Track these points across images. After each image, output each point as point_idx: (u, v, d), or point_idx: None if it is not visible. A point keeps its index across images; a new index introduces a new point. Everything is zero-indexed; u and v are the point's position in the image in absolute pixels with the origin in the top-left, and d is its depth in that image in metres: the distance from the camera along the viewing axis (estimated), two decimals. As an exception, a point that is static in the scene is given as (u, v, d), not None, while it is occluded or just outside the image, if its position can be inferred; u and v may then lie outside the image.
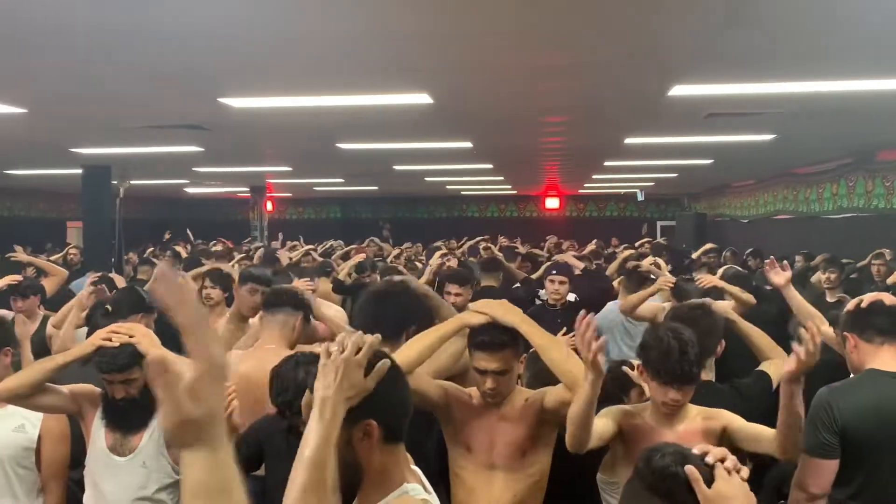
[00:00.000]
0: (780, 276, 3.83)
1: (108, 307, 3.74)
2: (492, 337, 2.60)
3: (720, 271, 6.49)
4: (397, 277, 3.59)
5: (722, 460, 1.41)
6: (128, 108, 5.63)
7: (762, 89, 4.74)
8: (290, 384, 2.66)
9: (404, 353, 2.58)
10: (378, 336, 1.71)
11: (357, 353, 1.62)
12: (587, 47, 3.85)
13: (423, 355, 2.61)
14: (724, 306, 4.56)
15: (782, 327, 5.01)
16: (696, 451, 1.47)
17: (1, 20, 3.33)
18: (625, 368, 3.35)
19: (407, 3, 3.10)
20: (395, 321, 2.97)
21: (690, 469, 1.40)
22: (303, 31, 3.51)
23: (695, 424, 2.55)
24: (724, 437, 2.52)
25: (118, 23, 3.37)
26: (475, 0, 3.07)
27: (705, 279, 4.93)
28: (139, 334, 2.81)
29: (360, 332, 1.69)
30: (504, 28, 3.45)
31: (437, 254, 6.74)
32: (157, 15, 3.26)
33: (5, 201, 15.22)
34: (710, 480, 1.38)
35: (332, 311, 4.83)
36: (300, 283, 4.38)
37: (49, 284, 5.91)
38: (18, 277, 5.25)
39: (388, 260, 9.23)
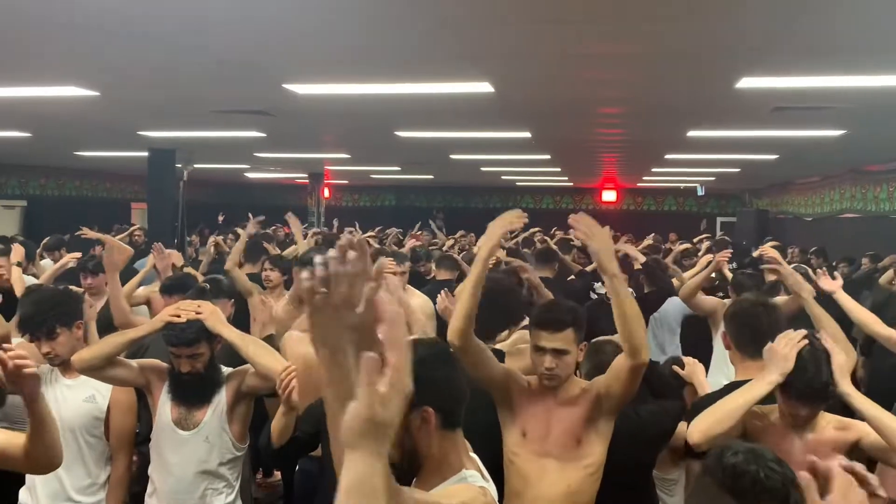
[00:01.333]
0: (831, 284, 3.74)
1: (207, 286, 3.87)
2: (554, 315, 2.62)
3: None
4: (503, 270, 3.61)
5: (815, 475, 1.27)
6: (195, 93, 5.76)
7: (833, 82, 4.60)
8: None
9: (454, 321, 2.62)
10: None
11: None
12: (655, 37, 3.79)
13: (469, 311, 2.60)
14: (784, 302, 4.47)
15: (846, 330, 4.88)
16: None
17: (77, 9, 3.44)
18: (675, 367, 3.32)
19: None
20: (499, 321, 2.98)
21: (805, 476, 1.26)
22: (366, 18, 3.54)
23: (826, 434, 2.44)
24: (856, 450, 2.42)
25: (186, 10, 3.46)
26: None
27: (768, 250, 4.78)
28: (207, 311, 2.91)
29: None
30: (571, 16, 3.42)
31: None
32: (222, 3, 3.33)
33: (74, 181, 15.74)
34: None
35: (419, 300, 4.87)
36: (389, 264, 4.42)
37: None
38: (78, 255, 5.43)
39: (444, 249, 9.26)
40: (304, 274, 1.27)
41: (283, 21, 3.62)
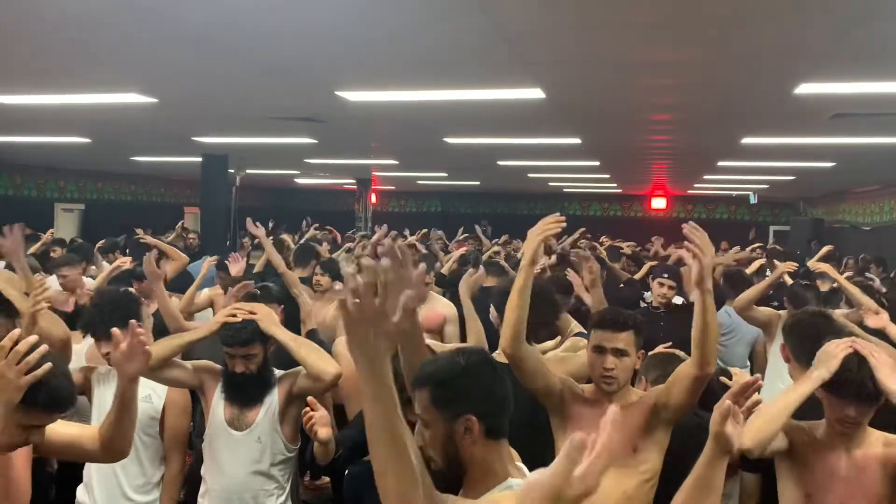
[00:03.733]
0: (878, 321, 3.66)
1: (258, 292, 3.95)
2: (615, 315, 2.61)
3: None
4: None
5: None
6: (249, 100, 5.86)
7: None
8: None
9: (506, 329, 2.61)
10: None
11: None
12: (713, 43, 3.72)
13: (520, 318, 2.60)
14: (842, 316, 4.34)
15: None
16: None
17: (135, 17, 3.53)
18: (723, 379, 3.26)
19: (527, -3, 3.09)
20: (533, 329, 2.97)
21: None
22: (418, 25, 3.55)
23: (874, 449, 2.37)
24: None
25: (243, 19, 3.52)
26: (597, -7, 3.03)
27: (821, 266, 4.66)
28: (262, 313, 2.96)
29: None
30: (626, 21, 3.38)
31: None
32: (278, 12, 3.38)
33: (130, 185, 16.16)
34: None
35: (445, 308, 4.90)
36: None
37: (171, 268, 6.25)
38: (128, 260, 5.54)
39: (488, 254, 9.25)
40: (338, 286, 1.28)
41: (336, 29, 3.66)
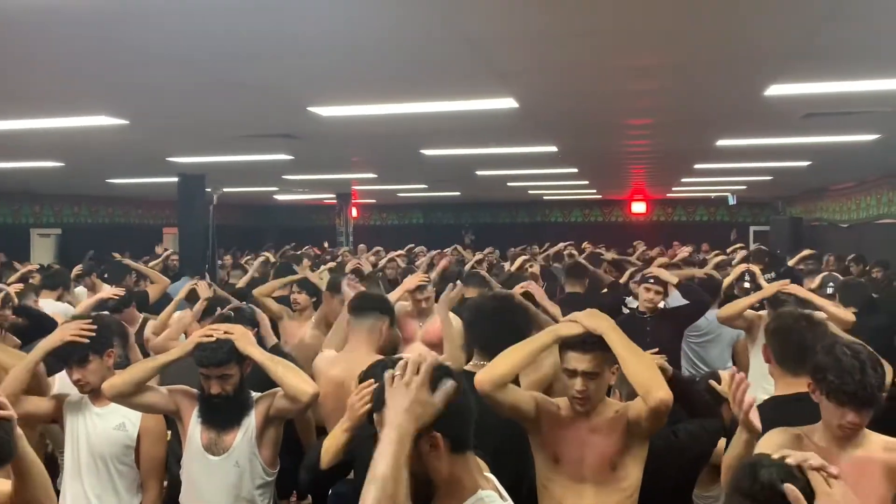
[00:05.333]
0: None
1: (231, 313, 3.89)
2: (584, 337, 2.55)
3: (818, 279, 6.19)
4: (500, 292, 3.57)
5: (819, 469, 1.41)
6: (221, 119, 5.82)
7: (866, 87, 4.49)
8: (378, 390, 2.68)
9: (497, 367, 2.56)
10: (435, 355, 1.74)
11: (417, 372, 1.63)
12: (680, 47, 3.73)
13: (515, 368, 2.57)
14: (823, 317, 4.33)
15: (891, 338, 4.73)
16: (790, 460, 1.49)
17: (102, 39, 3.49)
18: (712, 382, 3.24)
19: (493, 7, 3.08)
20: (509, 340, 2.95)
21: (790, 488, 1.40)
22: (389, 39, 3.53)
23: (874, 454, 2.34)
24: None
25: (212, 40, 3.49)
26: (564, 0, 3.02)
27: (790, 288, 4.62)
28: (238, 332, 2.91)
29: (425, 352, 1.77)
30: (594, 28, 3.38)
31: (520, 258, 6.67)
32: (249, 30, 3.35)
33: (107, 208, 16.01)
34: (810, 496, 1.38)
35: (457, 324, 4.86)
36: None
37: (153, 291, 6.17)
38: (121, 292, 5.45)
39: (469, 266, 9.24)
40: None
41: (306, 46, 3.64)
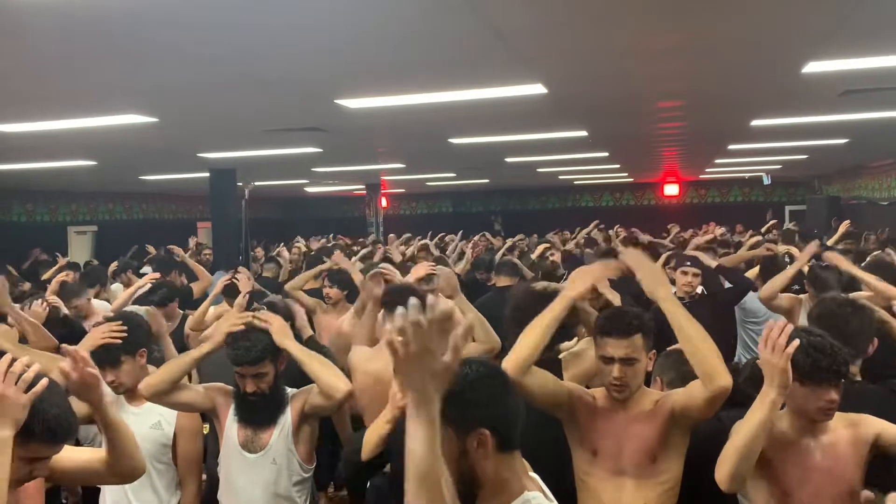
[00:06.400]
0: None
1: (263, 307, 3.88)
2: (619, 320, 2.49)
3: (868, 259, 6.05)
4: (538, 285, 3.49)
5: None
6: (249, 114, 5.83)
7: (907, 62, 4.35)
8: None
9: (520, 349, 2.51)
10: (450, 302, 1.69)
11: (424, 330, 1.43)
12: (712, 25, 3.63)
13: (538, 345, 2.50)
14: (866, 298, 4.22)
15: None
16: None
17: (131, 40, 3.50)
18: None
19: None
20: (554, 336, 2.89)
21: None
22: (415, 29, 3.49)
23: (840, 434, 2.31)
24: (878, 447, 2.30)
25: (236, 34, 3.48)
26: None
27: (834, 258, 4.54)
28: (276, 324, 2.90)
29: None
30: (622, 10, 3.30)
31: (540, 247, 6.58)
32: (275, 25, 3.33)
33: (141, 204, 16.23)
34: None
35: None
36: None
37: (197, 288, 6.22)
38: (157, 275, 5.49)
39: (500, 253, 9.18)
40: (387, 325, 1.34)
41: (331, 38, 3.61)
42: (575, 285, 2.55)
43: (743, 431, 2.20)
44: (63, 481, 2.31)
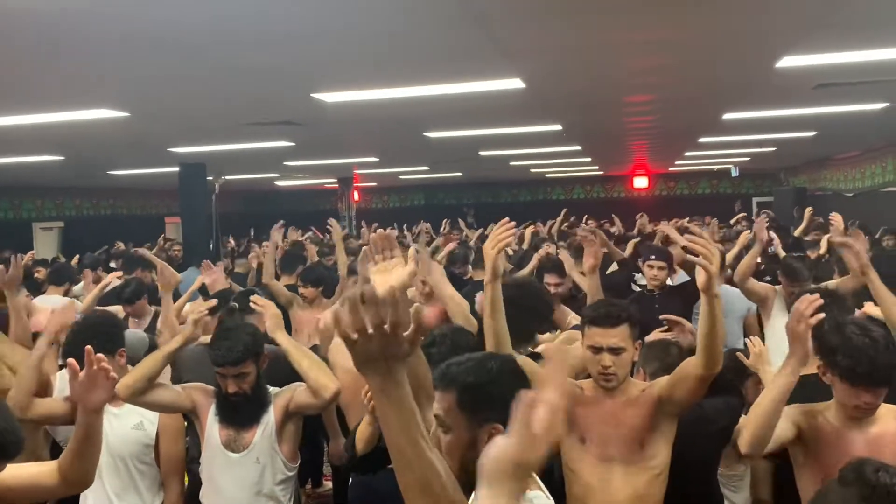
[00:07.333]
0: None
1: (236, 304, 3.84)
2: (608, 311, 2.53)
3: (824, 242, 6.15)
4: (520, 275, 3.51)
5: None
6: (223, 108, 5.74)
7: (881, 56, 4.41)
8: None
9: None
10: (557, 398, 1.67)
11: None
12: (688, 21, 3.65)
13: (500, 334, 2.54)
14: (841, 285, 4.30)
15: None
16: None
17: (101, 31, 3.41)
18: (739, 355, 3.20)
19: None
20: (530, 324, 2.90)
21: None
22: (393, 22, 3.45)
23: (888, 425, 2.32)
24: None
25: (212, 26, 3.41)
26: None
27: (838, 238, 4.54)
28: (270, 312, 2.87)
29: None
30: (604, 4, 3.30)
31: (528, 233, 6.57)
32: (249, 17, 3.28)
33: (108, 199, 15.93)
34: None
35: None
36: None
37: (163, 286, 6.12)
38: (117, 275, 5.43)
39: (472, 244, 9.18)
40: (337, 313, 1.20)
41: (309, 31, 3.56)
42: (487, 267, 2.56)
43: (765, 397, 2.30)
44: (6, 500, 2.23)
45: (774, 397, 2.27)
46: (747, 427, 2.30)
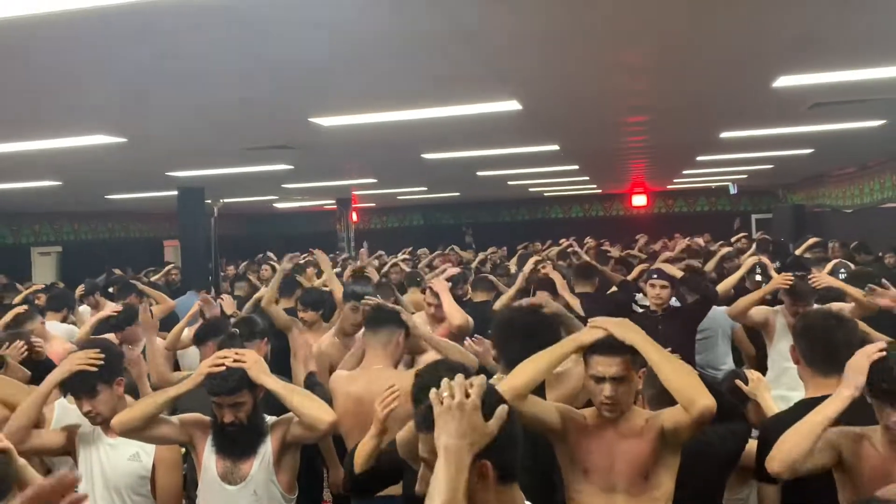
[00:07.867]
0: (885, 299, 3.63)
1: (236, 330, 3.81)
2: (610, 340, 2.47)
3: (829, 266, 6.09)
4: (524, 302, 3.48)
5: None
6: (221, 133, 5.75)
7: (877, 74, 4.42)
8: (425, 410, 2.62)
9: (517, 378, 2.48)
10: (483, 377, 1.65)
11: (467, 396, 1.56)
12: (687, 43, 3.66)
13: (535, 380, 2.48)
14: (845, 309, 4.26)
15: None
16: None
17: (101, 61, 3.41)
18: (738, 382, 3.16)
19: (497, 10, 3.00)
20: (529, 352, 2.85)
21: None
22: (390, 48, 3.46)
23: None
24: None
25: (209, 53, 3.41)
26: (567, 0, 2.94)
27: (821, 278, 4.60)
28: (250, 360, 2.81)
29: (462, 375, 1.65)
30: (600, 26, 3.31)
31: (532, 259, 6.58)
32: (245, 45, 3.28)
33: (106, 223, 15.92)
34: None
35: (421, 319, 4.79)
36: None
37: (157, 312, 6.09)
38: (112, 308, 5.41)
39: (472, 266, 9.15)
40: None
41: (306, 57, 3.56)
42: (590, 334, 2.52)
43: (809, 419, 2.27)
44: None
45: (820, 421, 2.25)
46: (781, 447, 2.25)
